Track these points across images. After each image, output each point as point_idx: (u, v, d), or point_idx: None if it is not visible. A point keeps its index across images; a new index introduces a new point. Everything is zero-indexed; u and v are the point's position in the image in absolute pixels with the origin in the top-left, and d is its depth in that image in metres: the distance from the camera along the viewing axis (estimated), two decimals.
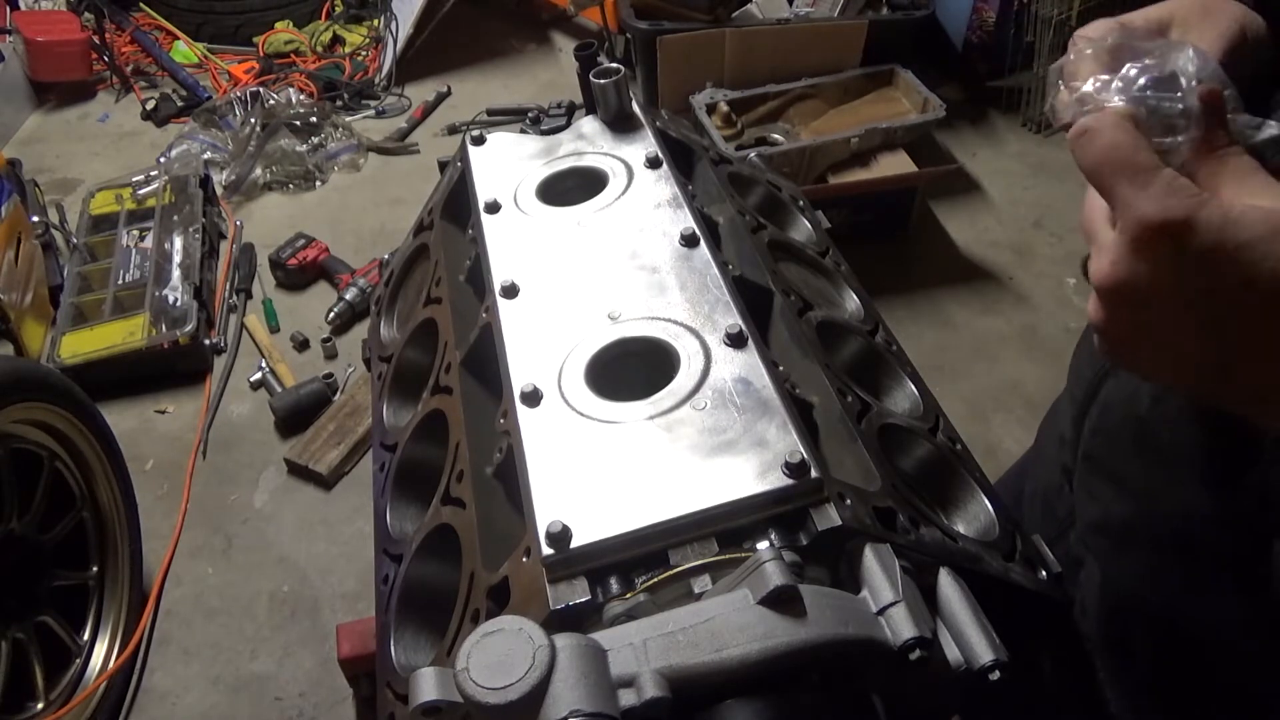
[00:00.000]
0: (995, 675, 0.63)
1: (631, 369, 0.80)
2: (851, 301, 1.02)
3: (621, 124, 1.06)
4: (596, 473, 0.69)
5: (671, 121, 1.15)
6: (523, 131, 1.10)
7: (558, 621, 0.62)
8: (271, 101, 3.41)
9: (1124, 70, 0.54)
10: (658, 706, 0.55)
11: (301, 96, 3.56)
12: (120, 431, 2.04)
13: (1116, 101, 0.53)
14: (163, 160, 3.16)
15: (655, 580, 0.64)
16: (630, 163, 1.01)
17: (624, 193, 0.97)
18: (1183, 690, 0.76)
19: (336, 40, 3.95)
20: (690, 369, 0.76)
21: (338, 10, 4.06)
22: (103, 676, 1.84)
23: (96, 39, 3.74)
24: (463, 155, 1.09)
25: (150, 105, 3.64)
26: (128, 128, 3.60)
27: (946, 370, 2.56)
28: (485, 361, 0.86)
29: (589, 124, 1.08)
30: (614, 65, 1.06)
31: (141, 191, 2.97)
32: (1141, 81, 0.53)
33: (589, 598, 0.63)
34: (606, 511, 0.66)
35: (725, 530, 0.66)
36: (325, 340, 2.66)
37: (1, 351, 2.38)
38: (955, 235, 2.98)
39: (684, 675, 0.57)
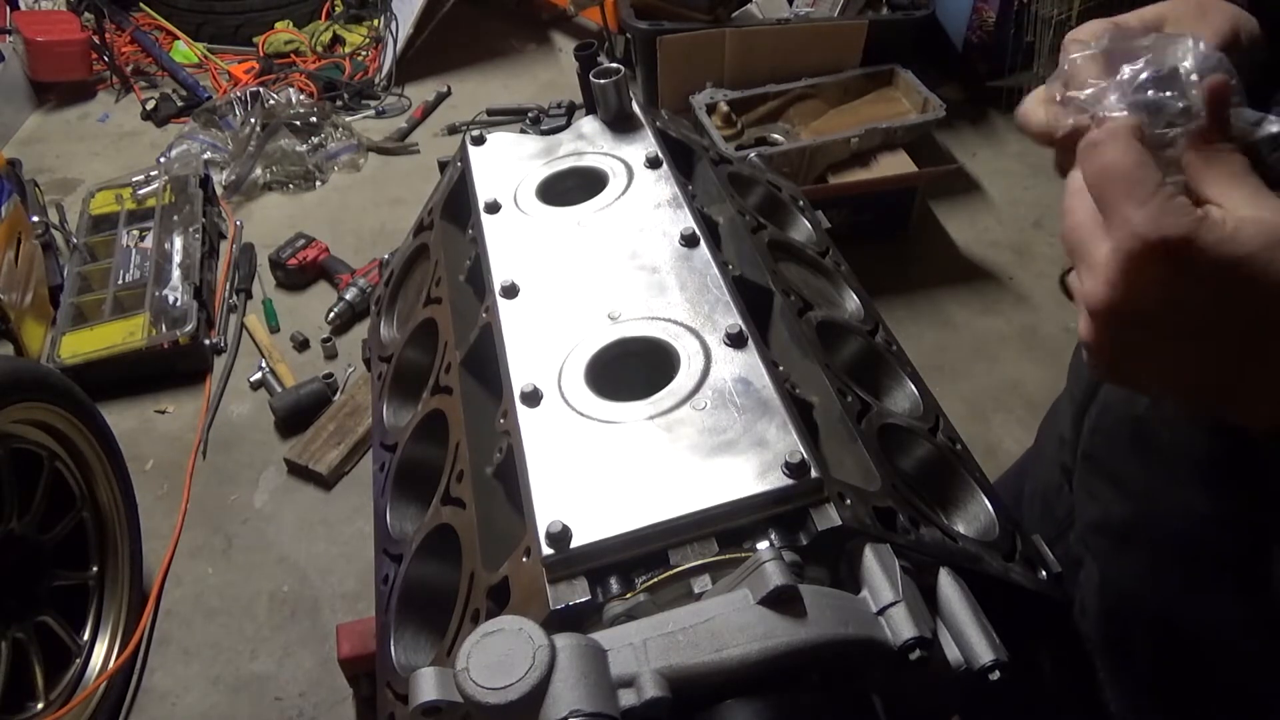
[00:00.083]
0: (995, 675, 0.63)
1: (631, 369, 0.80)
2: (851, 301, 1.02)
3: (621, 124, 1.06)
4: (596, 473, 0.69)
5: (671, 121, 1.15)
6: (523, 131, 1.10)
7: (558, 621, 0.62)
8: (271, 101, 3.41)
9: (1121, 73, 0.54)
10: (658, 706, 0.55)
11: (301, 96, 3.56)
12: (120, 431, 2.04)
13: (1113, 100, 0.53)
14: (163, 160, 3.16)
15: (655, 580, 0.64)
16: (630, 163, 1.01)
17: (624, 193, 0.97)
18: (1183, 690, 0.76)
19: (336, 40, 3.95)
20: (690, 369, 0.76)
21: (338, 10, 4.06)
22: (103, 676, 1.84)
23: (96, 39, 3.73)
24: (463, 155, 1.09)
25: (150, 105, 3.64)
26: (128, 128, 3.60)
27: (946, 370, 2.56)
28: (485, 361, 0.86)
29: (589, 124, 1.08)
30: (614, 65, 1.06)
31: (141, 191, 2.97)
32: (1143, 78, 0.52)
33: (589, 598, 0.63)
34: (606, 511, 0.66)
35: (725, 530, 0.66)
36: (325, 340, 2.66)
37: (1, 351, 2.38)
38: (955, 235, 2.98)
39: (684, 675, 0.57)
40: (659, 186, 0.97)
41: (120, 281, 2.69)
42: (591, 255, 0.90)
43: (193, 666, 2.01)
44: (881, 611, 0.62)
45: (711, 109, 2.89)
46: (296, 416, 2.44)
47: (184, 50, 3.88)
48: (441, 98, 3.69)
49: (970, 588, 0.68)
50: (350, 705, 1.92)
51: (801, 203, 1.18)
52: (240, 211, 3.15)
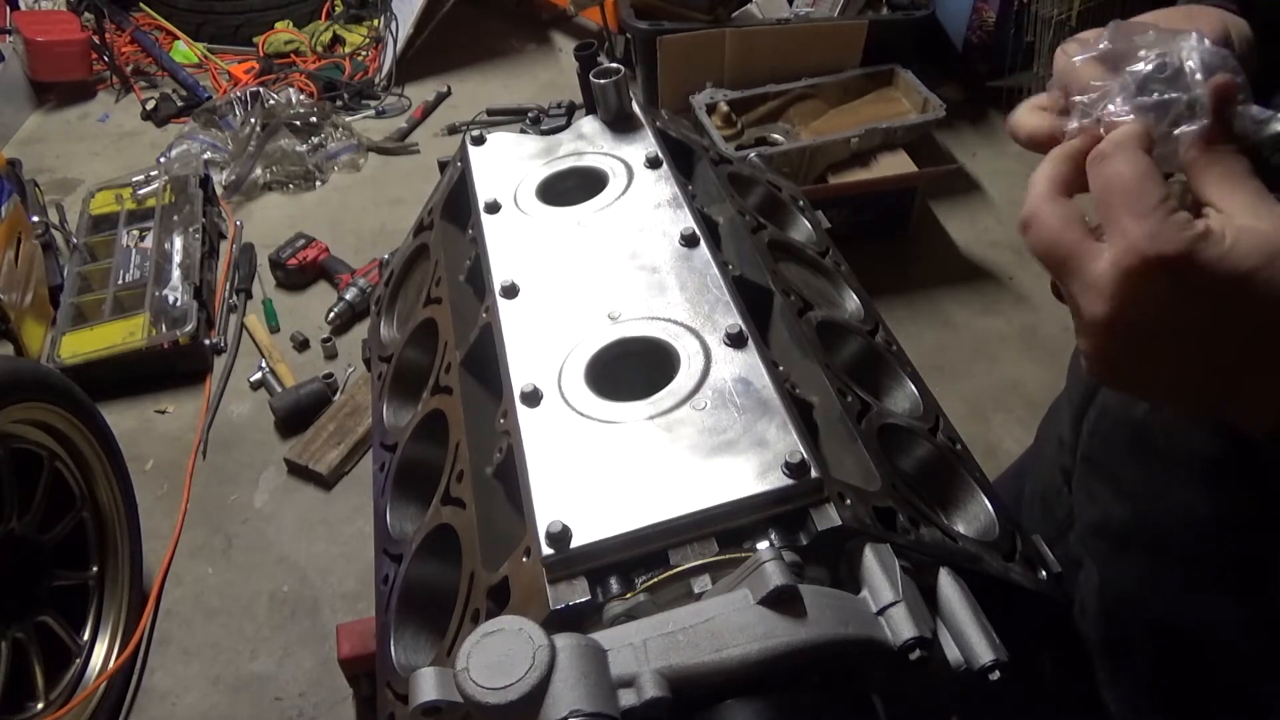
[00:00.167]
0: (995, 675, 0.63)
1: (631, 369, 0.80)
2: (851, 301, 1.02)
3: (621, 124, 1.06)
4: (596, 473, 0.69)
5: (671, 121, 1.15)
6: (523, 131, 1.10)
7: (558, 621, 0.62)
8: (271, 101, 3.41)
9: (1123, 74, 0.53)
10: (658, 706, 0.55)
11: (301, 96, 3.56)
12: (120, 431, 2.04)
13: (1118, 103, 0.52)
14: (163, 160, 3.16)
15: (655, 580, 0.64)
16: (630, 163, 1.00)
17: (624, 193, 0.97)
18: (1182, 690, 0.76)
19: (336, 40, 3.95)
20: (690, 369, 0.76)
21: (338, 10, 4.06)
22: (103, 676, 1.84)
23: (96, 39, 3.74)
24: (463, 155, 1.09)
25: (150, 105, 3.64)
26: (128, 128, 3.60)
27: (946, 370, 2.56)
28: (485, 361, 0.86)
29: (589, 124, 1.08)
30: (614, 65, 1.06)
31: (141, 191, 2.97)
32: (1148, 70, 0.52)
33: (589, 598, 0.63)
34: (606, 511, 0.66)
35: (725, 530, 0.66)
36: (325, 340, 2.66)
37: (1, 351, 2.38)
38: (955, 235, 2.98)
39: (684, 675, 0.57)
40: (659, 186, 0.97)
41: (120, 281, 2.69)
42: (591, 255, 0.90)
43: (193, 666, 2.01)
44: (881, 611, 0.62)
45: (711, 109, 2.89)
46: (296, 416, 2.44)
47: (184, 50, 3.88)
48: (441, 98, 3.69)
49: (970, 588, 0.68)
50: (350, 705, 1.92)
51: (801, 203, 1.18)
52: (240, 211, 3.15)
